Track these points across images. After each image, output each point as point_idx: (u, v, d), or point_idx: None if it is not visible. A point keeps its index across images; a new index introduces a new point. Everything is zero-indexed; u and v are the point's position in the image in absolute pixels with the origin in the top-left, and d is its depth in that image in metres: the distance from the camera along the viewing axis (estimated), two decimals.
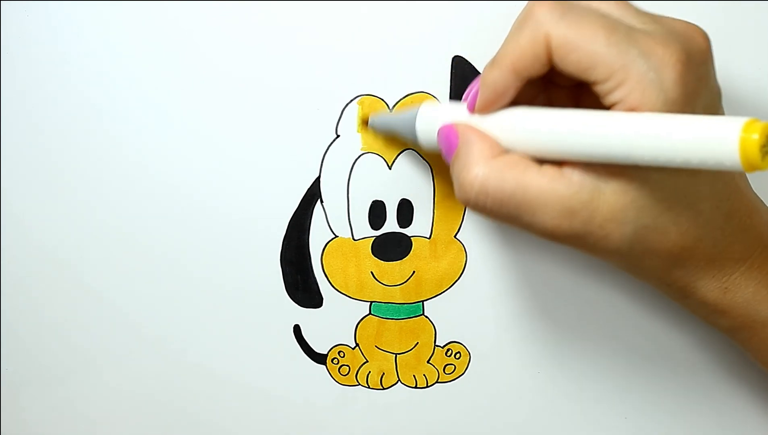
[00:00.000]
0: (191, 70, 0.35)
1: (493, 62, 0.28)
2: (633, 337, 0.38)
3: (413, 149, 0.36)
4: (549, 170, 0.27)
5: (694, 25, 0.28)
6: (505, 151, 0.28)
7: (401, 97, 0.35)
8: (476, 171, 0.27)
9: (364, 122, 0.35)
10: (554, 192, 0.26)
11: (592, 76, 0.25)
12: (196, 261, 0.37)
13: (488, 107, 0.28)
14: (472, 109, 0.29)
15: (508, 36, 0.28)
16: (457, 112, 0.30)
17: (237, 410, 0.39)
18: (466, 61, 0.35)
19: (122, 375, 0.39)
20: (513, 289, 0.38)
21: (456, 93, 0.35)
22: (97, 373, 0.39)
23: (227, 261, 0.37)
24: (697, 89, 0.26)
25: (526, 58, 0.26)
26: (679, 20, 0.28)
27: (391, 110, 0.35)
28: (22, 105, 0.36)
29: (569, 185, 0.26)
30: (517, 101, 0.28)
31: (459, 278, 0.37)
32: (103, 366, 0.39)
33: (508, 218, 0.28)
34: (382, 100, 0.35)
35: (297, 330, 0.38)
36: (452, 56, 0.35)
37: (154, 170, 0.36)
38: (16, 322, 0.39)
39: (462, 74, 0.35)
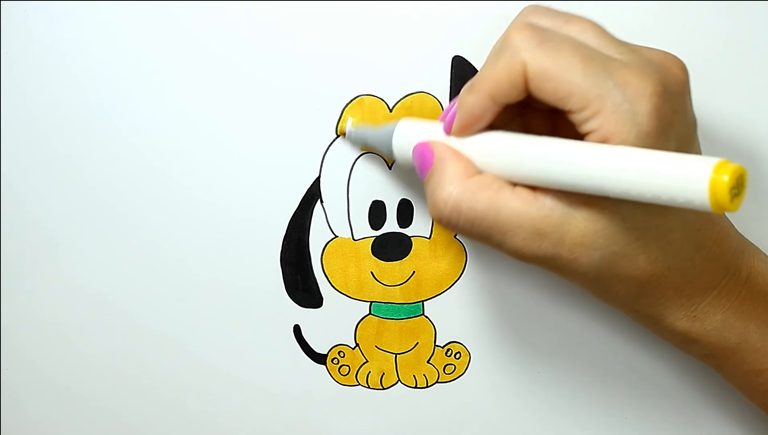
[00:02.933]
0: (191, 70, 0.35)
1: (471, 87, 0.28)
2: (634, 338, 0.38)
3: None
4: (522, 192, 0.27)
5: (672, 55, 0.28)
6: (479, 171, 0.28)
7: (401, 97, 0.35)
8: (450, 190, 0.28)
9: (342, 134, 0.35)
10: (526, 214, 0.27)
11: (567, 105, 0.26)
12: (196, 261, 0.37)
13: (464, 131, 0.29)
14: (448, 131, 0.29)
15: (486, 61, 0.28)
16: (434, 132, 0.30)
17: (237, 410, 0.39)
18: (466, 61, 0.35)
19: (122, 374, 0.39)
20: (513, 289, 0.38)
21: (456, 93, 0.35)
22: (97, 373, 0.39)
23: (227, 261, 0.37)
24: (672, 121, 0.26)
25: (503, 85, 0.27)
26: (657, 50, 0.28)
27: (391, 111, 0.35)
28: (22, 105, 0.36)
29: (541, 208, 0.26)
30: (493, 124, 0.29)
31: (459, 278, 0.37)
32: (103, 365, 0.39)
33: (480, 237, 0.28)
34: (382, 100, 0.35)
35: (297, 330, 0.38)
36: (452, 56, 0.35)
37: (155, 170, 0.36)
38: (16, 322, 0.39)
39: (462, 74, 0.35)
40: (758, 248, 0.32)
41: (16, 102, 0.36)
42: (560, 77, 0.25)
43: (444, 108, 0.35)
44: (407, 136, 0.31)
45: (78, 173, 0.36)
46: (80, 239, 0.37)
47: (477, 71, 0.35)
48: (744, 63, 0.35)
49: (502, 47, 0.27)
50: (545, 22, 0.28)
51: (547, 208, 0.26)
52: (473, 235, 0.28)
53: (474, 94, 0.28)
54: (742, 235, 0.31)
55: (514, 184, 0.27)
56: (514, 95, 0.27)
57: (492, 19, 0.34)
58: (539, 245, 0.27)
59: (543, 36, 0.26)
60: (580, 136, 0.26)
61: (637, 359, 0.38)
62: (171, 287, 0.38)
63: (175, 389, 0.39)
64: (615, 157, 0.24)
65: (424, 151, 0.30)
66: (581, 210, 0.26)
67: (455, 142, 0.29)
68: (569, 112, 0.26)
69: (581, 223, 0.26)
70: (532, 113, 0.31)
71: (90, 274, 0.38)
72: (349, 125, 0.35)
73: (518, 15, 0.29)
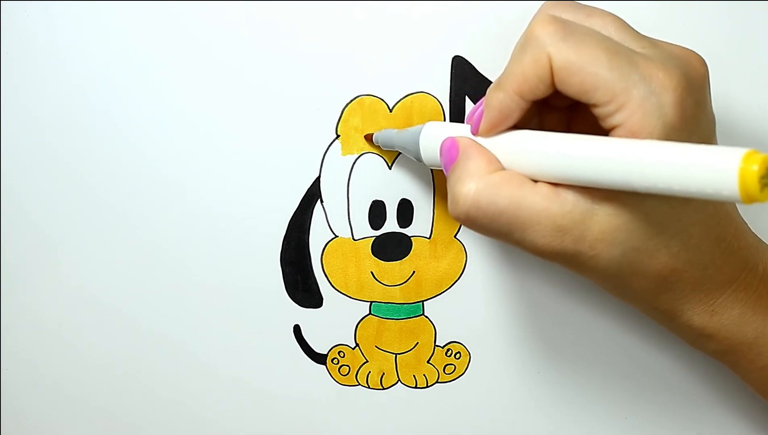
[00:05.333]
0: (191, 70, 0.35)
1: (498, 85, 0.28)
2: (634, 338, 0.38)
3: None
4: (543, 188, 0.27)
5: (691, 50, 0.28)
6: (503, 168, 0.28)
7: (401, 97, 0.35)
8: (470, 185, 0.27)
9: (368, 138, 0.35)
10: (547, 210, 0.26)
11: (593, 98, 0.26)
12: (197, 261, 0.37)
13: (492, 129, 0.28)
14: (475, 131, 0.29)
15: (511, 58, 0.28)
16: (461, 132, 0.30)
17: (237, 410, 0.39)
18: (466, 61, 0.35)
19: (122, 375, 0.39)
20: (513, 288, 0.38)
21: (456, 93, 0.35)
22: (97, 373, 0.39)
23: (227, 261, 0.37)
24: (696, 114, 0.26)
25: (530, 80, 0.27)
26: (677, 45, 0.28)
27: (391, 111, 0.35)
28: (22, 105, 0.36)
29: (563, 204, 0.26)
30: (514, 124, 0.28)
31: (459, 278, 0.37)
32: (103, 366, 0.39)
33: (500, 234, 0.28)
34: (382, 100, 0.35)
35: (297, 330, 0.38)
36: (452, 56, 0.35)
37: (155, 170, 0.36)
38: (16, 322, 0.39)
39: (462, 74, 0.35)
40: None
41: (16, 102, 0.36)
42: (586, 70, 0.25)
43: (444, 108, 0.35)
44: (434, 136, 0.31)
45: (78, 174, 0.36)
46: (80, 239, 0.37)
47: (477, 71, 0.35)
48: (744, 63, 0.35)
49: (526, 42, 0.27)
50: (567, 15, 0.28)
51: (569, 203, 0.26)
52: (493, 232, 0.28)
53: (501, 91, 0.27)
54: (755, 233, 0.32)
55: (536, 181, 0.27)
56: (542, 90, 0.27)
57: (492, 20, 0.34)
58: (560, 241, 0.27)
59: (567, 29, 0.26)
60: (597, 133, 0.26)
61: (638, 359, 0.38)
62: (171, 288, 0.38)
63: (174, 389, 0.39)
64: (642, 151, 0.24)
65: (450, 147, 0.29)
66: (603, 205, 0.26)
67: (481, 141, 0.29)
68: (594, 105, 0.26)
69: (603, 219, 0.26)
70: (548, 112, 0.31)
71: (90, 274, 0.38)
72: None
73: (540, 9, 0.29)
